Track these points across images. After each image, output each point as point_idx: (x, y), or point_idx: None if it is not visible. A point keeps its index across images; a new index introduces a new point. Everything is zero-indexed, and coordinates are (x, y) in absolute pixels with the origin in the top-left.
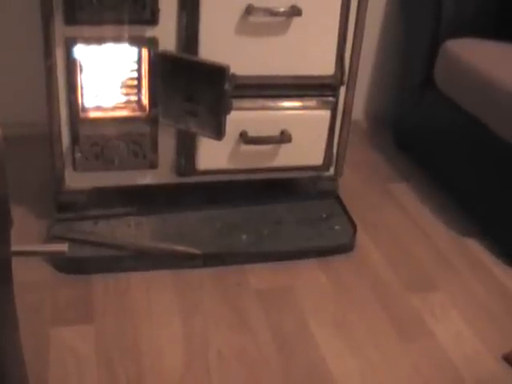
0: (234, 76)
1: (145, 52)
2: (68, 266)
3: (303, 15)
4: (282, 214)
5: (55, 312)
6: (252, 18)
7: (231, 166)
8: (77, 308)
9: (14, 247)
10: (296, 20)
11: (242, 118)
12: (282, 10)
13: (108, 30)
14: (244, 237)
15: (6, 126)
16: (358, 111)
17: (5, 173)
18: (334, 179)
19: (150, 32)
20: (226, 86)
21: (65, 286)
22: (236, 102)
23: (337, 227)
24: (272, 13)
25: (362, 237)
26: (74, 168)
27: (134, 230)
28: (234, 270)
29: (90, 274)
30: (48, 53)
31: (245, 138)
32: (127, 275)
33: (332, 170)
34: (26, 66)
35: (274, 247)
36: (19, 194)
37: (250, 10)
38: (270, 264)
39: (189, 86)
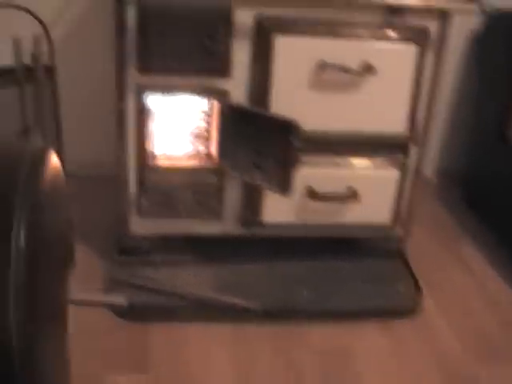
0: (302, 131)
1: (215, 103)
2: (126, 312)
3: (376, 73)
4: (346, 271)
5: (110, 359)
6: (324, 74)
7: (296, 221)
8: (132, 356)
9: (74, 295)
10: (369, 77)
11: (309, 173)
12: (355, 67)
13: (180, 79)
14: (305, 293)
15: (79, 165)
16: (428, 167)
17: (70, 219)
18: (400, 239)
19: (221, 83)
20: (294, 141)
21: (122, 332)
22: (304, 157)
23: (401, 289)
24: (345, 69)
25: (426, 300)
26: (139, 214)
27: (195, 279)
28: (293, 327)
29: (149, 321)
30: (120, 99)
31: (311, 193)
32: (185, 325)
33: (399, 230)
34: (100, 108)
35: (335, 306)
36: (85, 232)
37: (322, 66)
38: (330, 323)
39: (257, 139)
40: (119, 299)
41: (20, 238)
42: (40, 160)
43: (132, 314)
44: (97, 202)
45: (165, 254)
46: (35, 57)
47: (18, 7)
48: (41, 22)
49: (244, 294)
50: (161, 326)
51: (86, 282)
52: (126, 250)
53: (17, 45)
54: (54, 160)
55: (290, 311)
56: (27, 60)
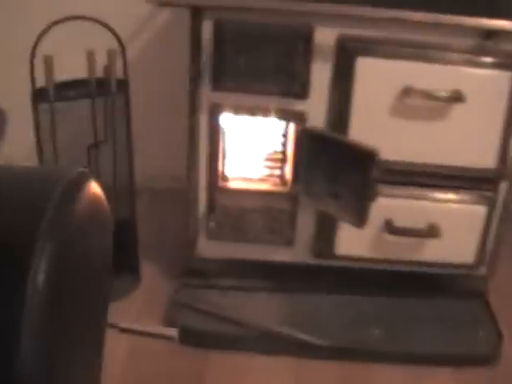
0: (382, 161)
1: (292, 126)
2: (187, 337)
3: (466, 101)
4: (421, 310)
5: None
6: (409, 100)
7: (371, 255)
8: (189, 382)
9: (124, 324)
10: (457, 106)
11: (388, 205)
12: (443, 94)
13: (255, 99)
14: (376, 331)
15: (149, 179)
16: None
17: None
18: (484, 279)
19: (298, 106)
20: (373, 172)
21: (181, 357)
22: (383, 188)
23: (480, 333)
24: (432, 97)
25: (508, 348)
26: (207, 236)
27: (262, 308)
28: (359, 367)
29: (209, 348)
30: (192, 116)
31: (389, 227)
32: (247, 356)
33: (483, 269)
34: (173, 123)
35: (406, 348)
36: (153, 249)
37: (407, 92)
38: (400, 366)
39: (333, 167)
40: (171, 332)
41: (38, 276)
42: (75, 188)
43: (193, 339)
44: (167, 218)
45: (233, 278)
46: (108, 70)
47: (94, 20)
48: (116, 35)
49: (311, 328)
50: (221, 354)
51: (149, 302)
52: (193, 272)
53: (90, 57)
54: (93, 188)
55: (358, 350)
56: (100, 73)
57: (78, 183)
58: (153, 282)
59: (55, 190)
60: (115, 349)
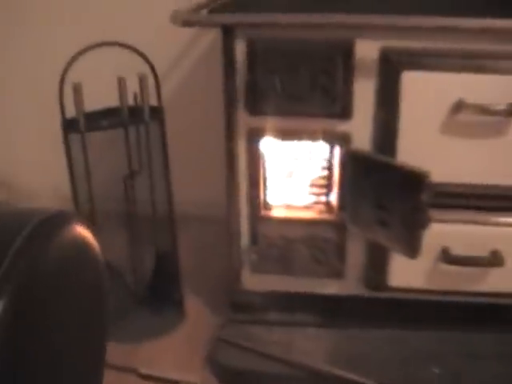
0: (434, 184)
1: (335, 149)
2: (230, 376)
3: None
4: (486, 346)
5: None
6: (461, 116)
7: (428, 286)
8: None
9: (144, 370)
10: None
11: (443, 231)
12: (500, 107)
13: (295, 122)
14: (435, 371)
15: (188, 207)
16: None
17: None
18: None
19: (341, 127)
20: (424, 197)
21: None
22: (437, 213)
23: None
24: (487, 111)
25: None
26: (251, 268)
27: (311, 344)
28: None
29: None
30: (229, 142)
31: (446, 256)
32: None
33: None
34: (210, 149)
35: None
36: (196, 281)
37: (459, 107)
38: None
39: (381, 192)
40: (192, 378)
41: None
42: (47, 227)
43: (236, 379)
44: (208, 248)
45: (280, 312)
46: (141, 97)
47: (124, 45)
48: (147, 60)
49: (363, 367)
50: None
51: (193, 337)
52: (238, 306)
53: (121, 84)
54: (73, 228)
55: None
56: (132, 100)
57: (53, 223)
58: (197, 316)
59: (23, 229)
60: None
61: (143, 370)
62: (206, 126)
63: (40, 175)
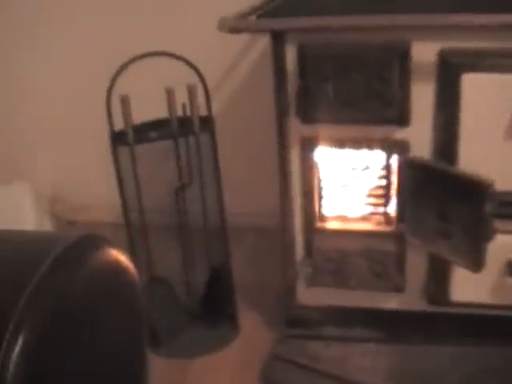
0: (498, 193)
1: (393, 158)
2: None
3: None
4: None
5: None
6: None
7: (492, 301)
8: None
9: None
10: None
11: (509, 243)
12: None
13: (350, 130)
14: None
15: (241, 217)
16: None
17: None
18: None
19: (399, 134)
20: (487, 207)
21: None
22: (502, 224)
23: None
24: None
25: None
26: (306, 282)
27: (369, 361)
28: None
29: None
30: (282, 152)
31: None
32: None
33: None
34: (262, 159)
35: None
36: (252, 295)
37: None
38: None
39: (442, 202)
40: None
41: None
42: (72, 254)
43: None
44: (262, 260)
45: (337, 328)
46: (190, 107)
47: (172, 55)
48: (196, 69)
49: None
50: None
51: (248, 353)
52: (294, 321)
53: (170, 95)
54: (104, 253)
55: None
56: (181, 111)
57: (80, 247)
58: (252, 331)
59: (47, 257)
60: None
61: None
62: (258, 135)
63: (93, 189)
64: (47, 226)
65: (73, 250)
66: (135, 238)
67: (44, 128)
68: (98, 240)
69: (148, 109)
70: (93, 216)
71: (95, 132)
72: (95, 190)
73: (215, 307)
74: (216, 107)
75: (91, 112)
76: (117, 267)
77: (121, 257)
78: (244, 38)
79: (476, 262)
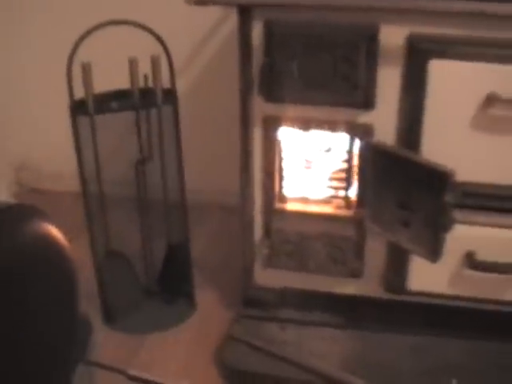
0: (460, 183)
1: (355, 141)
2: (235, 378)
3: None
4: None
5: None
6: (493, 111)
7: (450, 291)
8: None
9: (133, 371)
10: None
11: (468, 235)
12: None
13: (314, 111)
14: (455, 383)
15: (201, 194)
16: None
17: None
18: None
19: (363, 118)
20: (447, 197)
21: None
22: (463, 215)
23: None
24: None
25: None
26: (263, 263)
27: (324, 346)
28: None
29: None
30: (244, 131)
31: (471, 261)
32: None
33: None
34: (224, 135)
35: None
36: (210, 272)
37: (491, 101)
38: None
39: (403, 190)
40: (181, 383)
41: None
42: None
43: (242, 380)
44: (221, 238)
45: (294, 310)
46: (153, 79)
47: (135, 24)
48: (160, 40)
49: (378, 374)
50: None
51: (203, 332)
52: (251, 302)
53: (133, 65)
54: (33, 227)
55: None
56: (144, 82)
57: (5, 219)
58: (209, 310)
59: None
60: None
61: (132, 372)
62: (222, 112)
63: (59, 158)
64: (3, 193)
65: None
66: (94, 210)
67: (11, 95)
68: (27, 210)
69: (110, 79)
70: (58, 185)
71: (60, 100)
72: (61, 159)
73: (172, 284)
74: (182, 83)
75: (53, 81)
76: (45, 238)
77: (50, 228)
78: (215, 14)
79: (434, 252)
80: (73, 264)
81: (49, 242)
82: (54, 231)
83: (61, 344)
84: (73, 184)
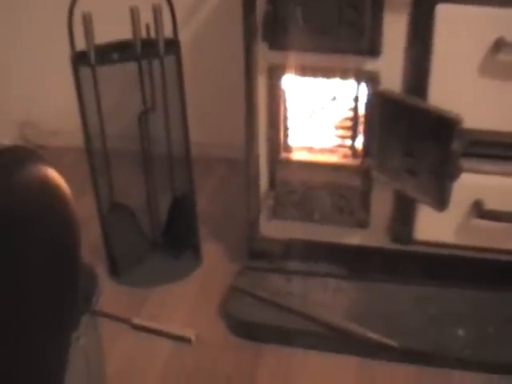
0: (467, 130)
1: (362, 89)
2: (241, 328)
3: None
4: None
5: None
6: (502, 56)
7: (457, 241)
8: (239, 380)
9: (136, 320)
10: None
11: (477, 183)
12: None
13: (319, 58)
14: (460, 332)
15: (205, 147)
16: None
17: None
18: None
19: (369, 65)
20: (454, 145)
21: (232, 350)
22: (471, 163)
23: None
24: None
25: None
26: (269, 215)
27: (330, 297)
28: (435, 375)
29: (264, 342)
30: (249, 79)
31: (479, 210)
32: (305, 352)
33: None
34: (229, 86)
35: (495, 355)
36: (215, 225)
37: (500, 46)
38: (485, 376)
39: (410, 138)
40: (187, 333)
41: None
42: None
43: (246, 331)
44: (228, 190)
45: (299, 261)
46: (155, 28)
47: None
48: None
49: (383, 324)
50: (277, 349)
51: (208, 284)
52: (256, 254)
53: (134, 14)
54: (32, 171)
55: (436, 355)
56: (145, 32)
57: (3, 161)
58: (214, 262)
59: None
60: (156, 342)
61: (135, 321)
62: (226, 62)
63: (63, 114)
64: None
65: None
66: (98, 164)
67: (12, 51)
68: (25, 154)
69: (112, 30)
70: (63, 141)
71: (62, 54)
72: (65, 115)
73: (177, 237)
74: (185, 33)
75: (56, 33)
76: (44, 182)
77: (50, 172)
78: None
79: (441, 201)
80: (74, 210)
81: (49, 186)
82: (55, 175)
83: (63, 294)
84: (76, 139)
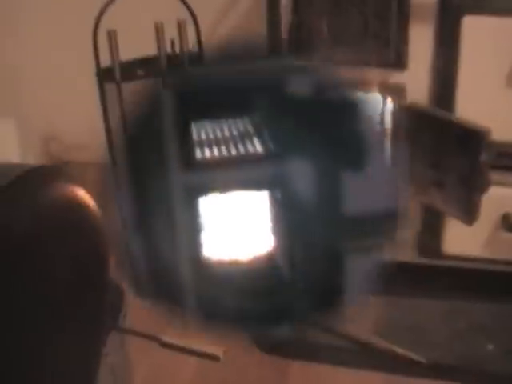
0: (496, 143)
1: (388, 101)
2: (268, 344)
3: None
4: None
5: None
6: None
7: (485, 255)
8: None
9: (166, 338)
10: None
11: (505, 196)
12: None
13: (343, 70)
14: (489, 347)
15: None
16: None
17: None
18: None
19: (395, 77)
20: (483, 157)
21: (259, 366)
22: (499, 176)
23: None
24: None
25: None
26: None
27: (357, 312)
28: None
29: (292, 357)
30: None
31: (507, 223)
32: (332, 368)
33: None
34: None
35: None
36: None
37: None
38: None
39: (437, 150)
40: (215, 351)
41: None
42: (20, 188)
43: (275, 347)
44: None
45: None
46: (180, 43)
47: None
48: (186, 3)
49: (411, 340)
50: (304, 365)
51: None
52: None
53: (159, 30)
54: (58, 191)
55: (466, 370)
56: (170, 48)
57: (26, 182)
58: None
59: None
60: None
61: (164, 339)
62: None
63: (89, 128)
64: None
65: (19, 182)
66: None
67: (36, 64)
68: (51, 173)
69: (136, 46)
70: (89, 156)
71: (88, 69)
72: (91, 129)
73: None
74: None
75: (81, 49)
76: (72, 201)
77: (78, 191)
78: None
79: (469, 214)
80: (102, 228)
81: (77, 205)
82: (83, 194)
83: (91, 310)
84: (100, 154)
